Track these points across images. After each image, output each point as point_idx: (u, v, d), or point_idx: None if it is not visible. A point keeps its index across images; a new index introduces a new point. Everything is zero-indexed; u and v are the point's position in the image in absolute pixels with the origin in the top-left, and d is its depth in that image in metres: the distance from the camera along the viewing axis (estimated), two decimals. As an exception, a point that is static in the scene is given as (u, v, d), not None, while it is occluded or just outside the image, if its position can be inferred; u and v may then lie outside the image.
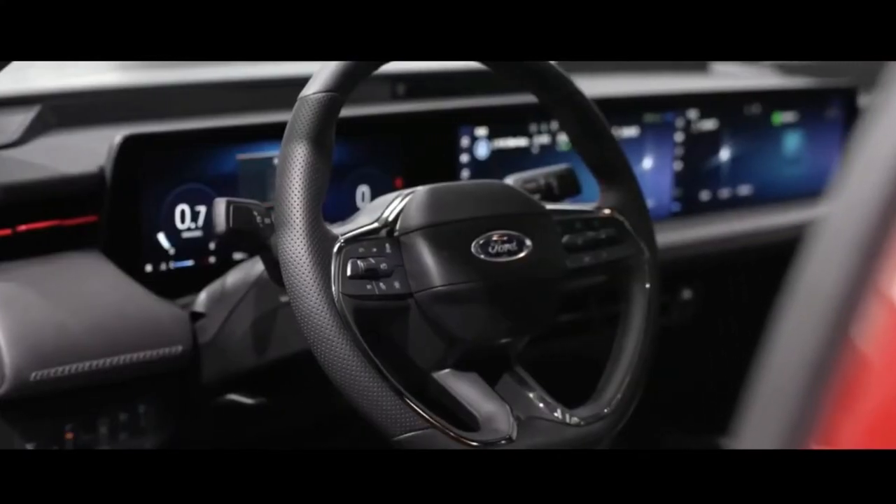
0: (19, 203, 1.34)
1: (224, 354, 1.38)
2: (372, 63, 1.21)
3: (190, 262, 1.46)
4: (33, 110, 1.48)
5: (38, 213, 1.35)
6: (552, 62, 1.31)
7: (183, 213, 1.44)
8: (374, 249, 1.17)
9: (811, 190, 2.09)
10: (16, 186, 1.34)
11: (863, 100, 2.15)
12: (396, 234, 1.20)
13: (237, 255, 1.49)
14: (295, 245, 1.12)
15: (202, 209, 1.46)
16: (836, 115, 2.11)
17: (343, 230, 1.17)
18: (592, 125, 1.34)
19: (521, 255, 1.24)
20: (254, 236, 1.21)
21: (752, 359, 2.09)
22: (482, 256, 1.22)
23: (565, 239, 1.30)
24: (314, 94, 1.16)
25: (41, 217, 1.35)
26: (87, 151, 1.41)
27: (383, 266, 1.17)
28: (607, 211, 1.35)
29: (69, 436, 1.34)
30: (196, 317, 1.41)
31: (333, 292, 1.12)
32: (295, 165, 1.14)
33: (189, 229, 1.45)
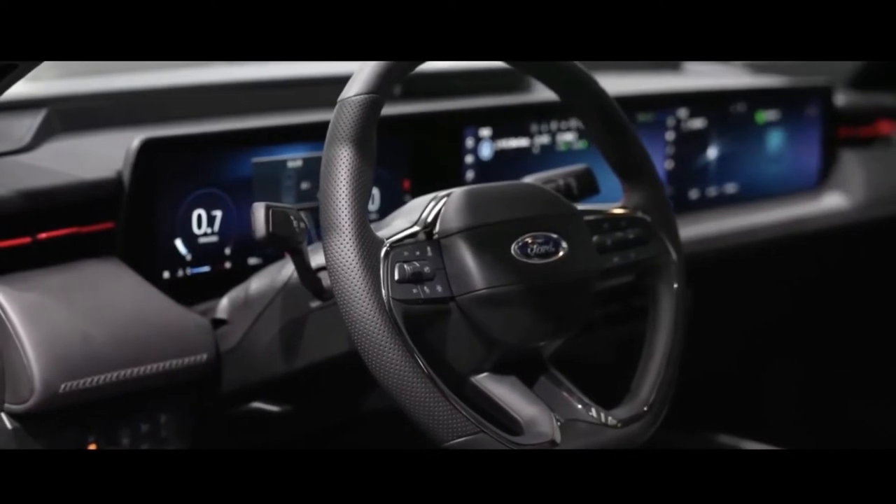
0: (38, 210, 1.30)
1: (248, 362, 1.36)
2: (409, 63, 1.20)
3: (206, 268, 1.44)
4: (40, 114, 1.45)
5: (56, 220, 1.32)
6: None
7: (199, 217, 1.42)
8: (418, 253, 1.16)
9: (793, 187, 2.12)
10: (35, 193, 1.30)
11: (837, 98, 2.18)
12: (436, 236, 1.19)
13: (252, 261, 1.47)
14: (344, 250, 1.10)
15: (218, 214, 1.43)
16: (814, 113, 2.13)
17: (385, 234, 1.16)
18: (617, 125, 1.34)
19: (559, 255, 1.23)
20: (290, 240, 1.20)
21: (746, 354, 2.11)
22: (522, 259, 1.21)
23: (595, 239, 1.30)
24: (355, 96, 1.15)
25: (59, 224, 1.32)
26: (101, 156, 1.38)
27: (427, 269, 1.16)
28: (633, 210, 1.35)
29: (92, 447, 1.31)
30: (217, 324, 1.38)
31: (384, 297, 1.11)
32: (340, 169, 1.12)
33: (205, 234, 1.43)
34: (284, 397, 1.40)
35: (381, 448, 1.44)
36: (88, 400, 1.26)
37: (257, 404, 1.41)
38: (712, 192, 2.00)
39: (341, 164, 1.12)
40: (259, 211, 1.17)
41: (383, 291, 1.11)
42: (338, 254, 1.10)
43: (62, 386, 1.23)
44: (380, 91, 1.16)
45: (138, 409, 1.34)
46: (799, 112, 2.11)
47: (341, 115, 1.14)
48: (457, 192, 1.22)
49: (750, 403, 2.32)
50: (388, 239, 1.15)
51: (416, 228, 1.19)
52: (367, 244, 1.11)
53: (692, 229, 1.92)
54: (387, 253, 1.13)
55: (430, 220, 1.20)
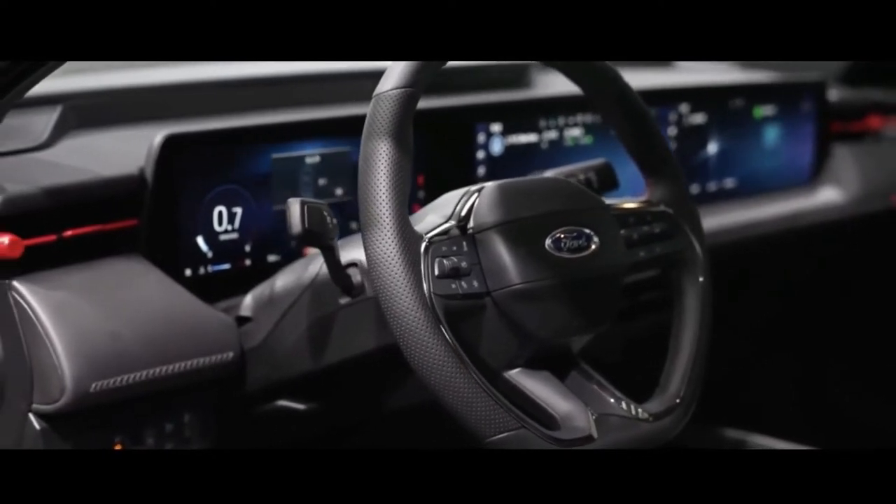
0: (62, 207, 1.28)
1: (274, 360, 1.35)
2: (440, 60, 1.20)
3: (227, 266, 1.42)
4: (55, 111, 1.43)
5: (80, 217, 1.30)
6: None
7: (220, 214, 1.40)
8: (455, 248, 1.16)
9: (788, 181, 2.13)
10: (58, 190, 1.28)
11: (830, 93, 2.19)
12: (471, 231, 1.19)
13: (272, 258, 1.46)
14: (386, 245, 1.10)
15: (238, 211, 1.42)
16: (808, 108, 2.15)
17: (422, 229, 1.16)
18: (641, 121, 1.35)
19: (591, 250, 1.24)
20: (323, 237, 1.19)
21: (741, 349, 2.09)
22: (555, 253, 1.21)
23: (622, 233, 1.30)
24: (391, 90, 1.14)
25: (84, 221, 1.30)
26: (121, 153, 1.37)
27: (464, 265, 1.16)
28: (657, 205, 1.35)
29: (118, 447, 1.30)
30: (241, 321, 1.37)
31: (425, 292, 1.10)
32: (380, 164, 1.11)
33: (226, 231, 1.42)
34: (310, 395, 1.39)
35: (408, 446, 1.43)
36: (117, 399, 1.25)
37: (282, 402, 1.40)
38: (712, 186, 2.01)
39: (380, 159, 1.12)
40: (295, 206, 1.16)
41: (425, 286, 1.11)
42: (379, 249, 1.10)
43: (93, 385, 1.22)
44: (415, 85, 1.15)
45: (163, 409, 1.33)
46: (794, 107, 2.13)
47: (378, 110, 1.14)
48: (489, 186, 1.22)
49: (745, 398, 2.33)
50: (426, 234, 1.14)
51: (451, 223, 1.18)
52: (408, 239, 1.11)
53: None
54: (426, 248, 1.13)
55: (463, 214, 1.19)
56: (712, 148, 2.00)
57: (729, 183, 2.03)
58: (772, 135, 2.10)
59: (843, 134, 2.24)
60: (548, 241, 1.21)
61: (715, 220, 1.97)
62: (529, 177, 1.30)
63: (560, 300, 1.20)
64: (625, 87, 1.33)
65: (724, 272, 2.07)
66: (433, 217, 1.20)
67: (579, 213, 1.25)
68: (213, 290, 1.39)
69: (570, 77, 1.32)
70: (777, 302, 2.28)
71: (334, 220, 1.20)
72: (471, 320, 1.18)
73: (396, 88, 1.14)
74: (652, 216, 1.34)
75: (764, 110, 2.07)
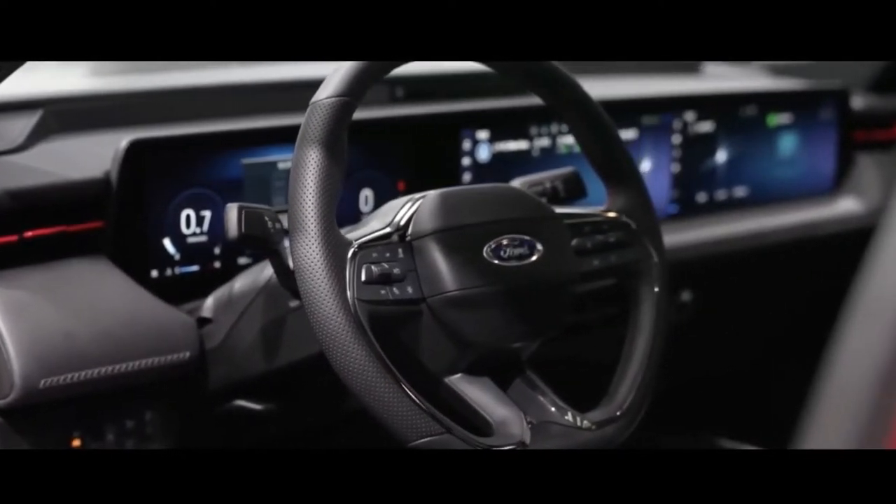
0: (25, 209, 1.33)
1: (232, 360, 1.37)
2: (383, 65, 1.21)
3: (195, 268, 1.46)
4: (35, 115, 1.47)
5: (44, 219, 1.34)
6: (556, 63, 1.31)
7: (188, 218, 1.44)
8: (388, 254, 1.17)
9: (806, 191, 2.10)
10: (22, 192, 1.32)
11: (855, 101, 2.16)
12: (408, 238, 1.20)
13: (242, 260, 1.49)
14: (310, 251, 1.11)
15: (207, 214, 1.45)
16: (829, 116, 2.11)
17: (356, 235, 1.17)
18: (601, 129, 1.35)
19: (533, 258, 1.24)
20: (265, 242, 1.21)
21: (752, 359, 2.07)
22: (494, 261, 1.22)
23: (574, 242, 1.30)
24: (326, 98, 1.16)
25: (47, 223, 1.34)
26: (92, 156, 1.40)
27: (396, 271, 1.17)
28: (615, 214, 1.35)
29: (76, 443, 1.34)
30: (203, 322, 1.40)
31: (349, 298, 1.12)
32: (308, 171, 1.13)
33: (194, 234, 1.45)
34: (267, 396, 1.42)
35: (364, 447, 1.45)
36: (70, 396, 1.29)
37: (241, 403, 1.42)
38: (721, 195, 1.99)
39: (309, 167, 1.14)
40: (231, 211, 1.18)
41: (348, 292, 1.12)
42: (303, 255, 1.12)
43: (42, 382, 1.25)
44: (351, 94, 1.17)
45: (123, 406, 1.36)
46: (812, 115, 2.09)
47: (312, 118, 1.16)
48: (432, 194, 1.23)
49: (760, 408, 2.30)
50: (356, 240, 1.16)
51: (387, 230, 1.20)
52: (333, 245, 1.13)
53: (699, 232, 1.92)
54: (354, 254, 1.14)
55: (402, 222, 1.21)
56: (721, 156, 1.98)
57: (740, 192, 2.01)
58: (788, 143, 2.07)
59: (870, 143, 2.20)
60: (487, 249, 1.22)
61: (725, 228, 1.96)
62: (477, 185, 1.31)
63: (498, 307, 1.21)
64: (581, 92, 1.33)
65: (739, 280, 2.06)
66: (374, 223, 1.22)
67: (523, 222, 1.25)
68: (181, 291, 1.42)
69: (525, 84, 1.32)
70: (793, 312, 2.25)
71: (278, 225, 1.22)
72: (407, 326, 1.19)
73: (331, 97, 1.16)
74: (608, 225, 1.34)
75: (779, 118, 2.04)
